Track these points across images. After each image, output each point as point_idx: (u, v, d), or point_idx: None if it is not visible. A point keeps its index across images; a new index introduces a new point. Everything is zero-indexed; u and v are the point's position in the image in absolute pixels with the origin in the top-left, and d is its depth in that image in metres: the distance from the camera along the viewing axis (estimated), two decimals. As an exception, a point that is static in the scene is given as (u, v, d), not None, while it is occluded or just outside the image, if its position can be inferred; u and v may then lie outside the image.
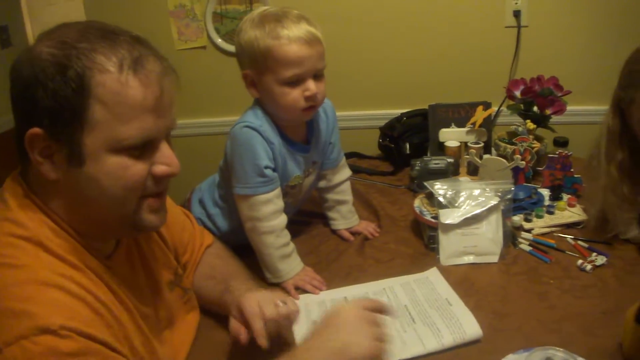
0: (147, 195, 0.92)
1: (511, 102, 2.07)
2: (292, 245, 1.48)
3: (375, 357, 0.99)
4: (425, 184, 1.69)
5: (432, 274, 1.55)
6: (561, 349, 1.22)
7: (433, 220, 1.62)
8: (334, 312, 1.07)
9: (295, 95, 1.37)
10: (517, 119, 2.05)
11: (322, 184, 1.67)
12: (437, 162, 1.93)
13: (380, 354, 1.02)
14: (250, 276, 1.34)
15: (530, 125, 1.96)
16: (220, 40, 2.49)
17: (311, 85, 1.37)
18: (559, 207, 1.76)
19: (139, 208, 0.92)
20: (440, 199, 1.61)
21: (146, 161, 0.89)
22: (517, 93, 2.04)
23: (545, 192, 1.82)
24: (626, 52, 1.49)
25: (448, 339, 1.32)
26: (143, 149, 0.88)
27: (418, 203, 1.71)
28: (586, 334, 1.33)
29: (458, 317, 1.37)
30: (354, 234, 1.76)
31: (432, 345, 1.31)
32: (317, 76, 1.39)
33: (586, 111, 2.19)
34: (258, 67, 1.36)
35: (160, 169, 0.91)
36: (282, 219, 1.46)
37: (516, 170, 1.86)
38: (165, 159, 0.91)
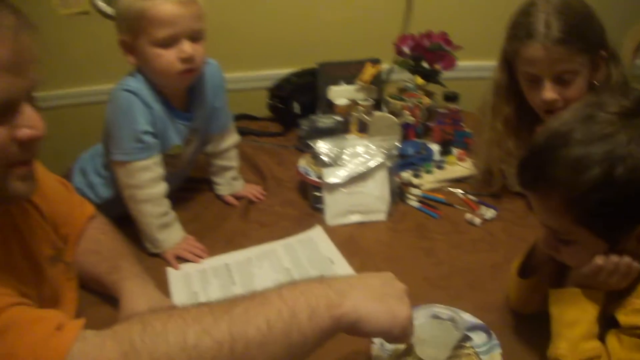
0: (13, 164, 0.81)
1: (401, 58, 1.93)
2: (172, 214, 1.37)
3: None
4: (309, 142, 1.53)
5: (316, 234, 1.42)
6: (446, 306, 1.14)
7: (318, 180, 1.46)
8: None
9: (169, 57, 1.27)
10: (407, 76, 1.92)
11: (209, 148, 1.56)
12: (325, 121, 1.81)
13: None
14: (137, 258, 1.25)
15: (419, 80, 1.86)
16: (102, 3, 2.20)
17: (186, 46, 1.27)
18: (448, 161, 1.66)
19: (6, 177, 0.81)
20: (324, 157, 1.48)
21: (6, 126, 0.77)
22: (406, 49, 1.91)
23: (436, 148, 1.72)
24: (516, 7, 1.43)
25: None
26: (2, 113, 0.76)
27: (303, 163, 1.56)
28: (474, 289, 1.26)
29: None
30: (238, 198, 1.63)
31: None
32: (195, 38, 1.28)
33: (477, 67, 2.11)
34: (133, 30, 1.26)
35: (23, 132, 0.79)
36: (161, 187, 1.35)
37: (406, 127, 1.75)
38: (29, 122, 0.79)
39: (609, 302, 0.94)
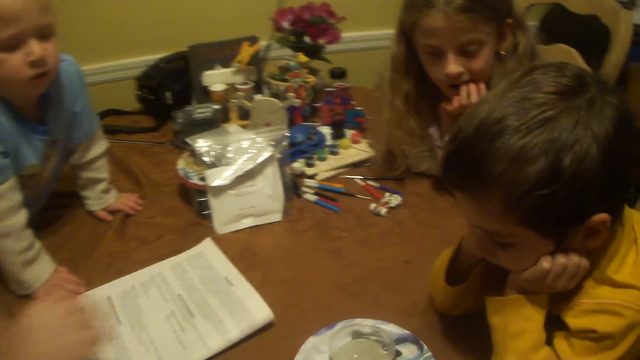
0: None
1: (280, 35, 1.69)
2: (36, 246, 1.12)
3: None
4: (187, 140, 1.26)
5: (207, 248, 1.20)
6: (366, 320, 1.00)
7: (201, 183, 1.20)
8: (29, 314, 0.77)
9: (16, 62, 1.00)
10: (288, 53, 1.69)
11: (74, 159, 1.29)
12: (202, 111, 1.56)
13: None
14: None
15: (303, 58, 1.67)
16: None
17: (35, 47, 1.01)
18: (342, 145, 1.48)
19: None
20: (205, 157, 1.23)
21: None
22: (286, 24, 1.68)
23: (326, 131, 1.52)
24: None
25: (234, 332, 1.01)
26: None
27: (182, 164, 1.31)
28: (392, 291, 1.11)
29: (242, 301, 1.06)
30: (113, 212, 1.35)
31: (216, 344, 0.99)
32: (44, 35, 1.03)
33: (363, 37, 1.92)
34: None
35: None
36: (21, 217, 1.09)
37: (292, 110, 1.55)
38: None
39: (553, 302, 0.82)
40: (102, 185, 1.35)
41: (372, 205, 1.32)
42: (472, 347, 0.95)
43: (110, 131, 1.58)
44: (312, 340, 0.97)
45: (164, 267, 1.18)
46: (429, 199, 1.35)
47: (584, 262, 0.77)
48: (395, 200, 1.33)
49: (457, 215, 1.23)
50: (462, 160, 0.74)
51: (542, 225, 0.73)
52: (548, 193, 0.69)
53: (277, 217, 1.30)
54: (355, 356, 0.93)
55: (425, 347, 0.95)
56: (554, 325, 0.82)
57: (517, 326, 0.81)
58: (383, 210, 1.30)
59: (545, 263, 0.76)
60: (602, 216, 0.73)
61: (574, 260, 0.76)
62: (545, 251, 0.77)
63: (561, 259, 0.76)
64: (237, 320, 1.01)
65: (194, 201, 1.32)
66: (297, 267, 1.16)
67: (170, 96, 1.73)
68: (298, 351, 0.96)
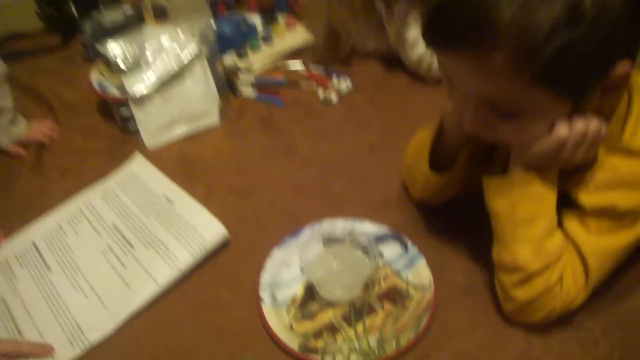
0: None
1: None
2: None
3: None
4: (98, 47, 1.08)
5: (138, 166, 0.97)
6: (337, 220, 0.85)
7: (120, 94, 0.94)
8: None
9: None
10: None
11: None
12: (112, 16, 1.26)
13: None
14: None
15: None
16: None
17: None
18: (276, 32, 1.24)
19: None
20: (120, 62, 1.01)
21: None
22: None
23: (257, 19, 1.26)
24: None
25: (185, 259, 0.82)
26: None
27: (96, 75, 1.06)
28: (359, 184, 0.94)
29: (188, 220, 0.86)
30: (25, 145, 1.11)
31: (165, 275, 0.81)
32: None
33: None
34: None
35: None
36: None
37: (214, 1, 1.24)
38: None
39: (559, 178, 0.67)
40: (6, 116, 1.08)
41: (321, 94, 1.10)
42: (463, 238, 0.79)
43: (12, 56, 1.31)
44: (276, 254, 0.78)
45: (92, 197, 0.96)
46: (383, 80, 1.15)
47: (604, 128, 0.61)
48: (345, 84, 1.13)
49: (417, 95, 1.05)
50: (457, 10, 0.54)
51: (559, 82, 0.55)
52: (567, 42, 0.51)
53: (213, 119, 1.07)
54: (333, 265, 0.73)
55: (409, 243, 0.78)
56: (560, 205, 0.67)
57: (528, 210, 0.65)
58: (333, 97, 1.09)
59: (562, 130, 0.60)
60: (625, 67, 0.56)
61: (594, 125, 0.60)
62: (559, 116, 0.60)
63: (580, 125, 0.60)
64: (185, 244, 0.81)
65: (116, 116, 1.06)
66: (245, 172, 0.95)
67: (73, 7, 1.41)
68: (263, 268, 0.76)
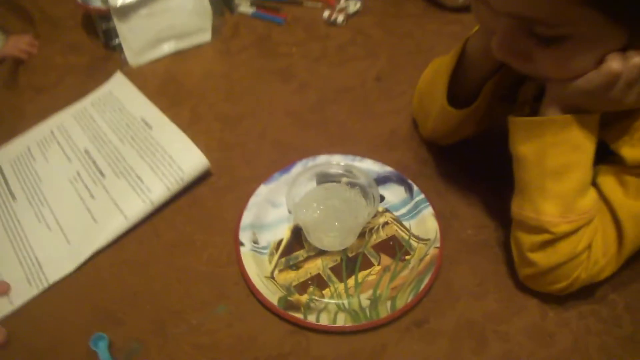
0: None
1: None
2: None
3: None
4: None
5: (117, 85, 0.86)
6: (335, 156, 0.72)
7: (103, 6, 0.88)
8: None
9: None
10: None
11: None
12: None
13: None
14: None
15: None
16: None
17: None
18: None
19: None
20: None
21: None
22: None
23: None
24: None
25: (158, 191, 0.71)
26: None
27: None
28: (362, 117, 0.81)
29: (165, 147, 0.74)
30: (1, 61, 0.97)
31: (136, 209, 0.70)
32: None
33: None
34: None
35: None
36: None
37: None
38: None
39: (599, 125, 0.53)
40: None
41: (326, 13, 0.95)
42: (477, 185, 0.67)
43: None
44: (262, 190, 0.66)
45: (65, 118, 0.84)
46: (396, 3, 0.98)
47: None
48: (353, 5, 0.97)
49: (433, 21, 0.91)
50: None
51: (620, 6, 0.42)
52: None
53: (205, 36, 0.93)
54: (326, 207, 0.61)
55: (415, 187, 0.66)
56: (596, 159, 0.54)
57: (560, 159, 0.53)
58: (340, 18, 0.94)
59: (615, 63, 0.46)
60: None
61: None
62: (610, 49, 0.46)
63: (637, 60, 0.46)
64: (160, 175, 0.69)
65: (99, 31, 0.92)
66: (236, 96, 0.82)
67: None
68: (246, 206, 0.64)
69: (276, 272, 0.62)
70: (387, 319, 0.57)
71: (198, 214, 0.68)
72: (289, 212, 0.65)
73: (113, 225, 0.67)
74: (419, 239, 0.64)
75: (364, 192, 0.63)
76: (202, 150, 0.71)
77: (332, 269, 0.62)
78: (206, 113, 0.81)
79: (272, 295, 0.59)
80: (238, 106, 0.81)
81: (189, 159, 0.71)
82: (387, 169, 0.69)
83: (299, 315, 0.58)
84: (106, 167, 0.74)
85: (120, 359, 0.57)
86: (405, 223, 0.65)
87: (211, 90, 0.85)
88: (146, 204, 0.68)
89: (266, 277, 0.61)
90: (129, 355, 0.57)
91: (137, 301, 0.61)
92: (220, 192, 0.70)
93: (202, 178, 0.71)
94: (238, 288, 0.62)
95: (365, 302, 0.59)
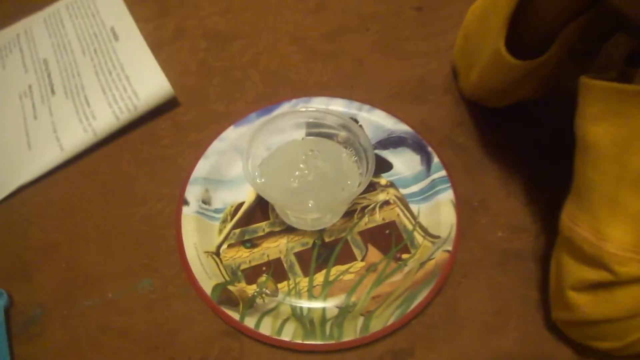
0: None
1: None
2: None
3: None
4: None
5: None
6: (335, 100, 0.53)
7: None
8: None
9: None
10: None
11: None
12: None
13: None
14: None
15: None
16: None
17: None
18: None
19: None
20: None
21: None
22: None
23: None
24: None
25: (105, 120, 0.55)
26: None
27: None
28: (385, 54, 0.60)
29: (123, 64, 0.59)
30: None
31: (75, 139, 0.54)
32: None
33: None
34: None
35: None
36: None
37: None
38: None
39: None
40: None
41: None
42: (526, 170, 0.45)
43: None
44: (230, 134, 0.48)
45: (35, 21, 0.68)
46: None
47: None
48: None
49: None
50: None
51: None
52: None
53: None
54: (305, 169, 0.41)
55: (435, 158, 0.44)
56: None
57: None
58: None
59: None
60: None
61: None
62: None
63: None
64: (111, 100, 0.54)
65: None
66: (235, 10, 0.64)
67: None
68: (203, 153, 0.45)
69: (224, 246, 0.44)
70: (353, 344, 0.38)
71: (148, 155, 0.51)
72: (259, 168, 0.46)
73: (46, 156, 0.52)
74: (426, 233, 0.43)
75: (359, 155, 0.43)
76: (175, 74, 0.54)
77: (298, 255, 0.43)
78: (194, 28, 0.62)
79: (207, 279, 0.41)
80: (233, 22, 0.61)
81: (148, 83, 0.53)
82: (404, 128, 0.48)
83: (233, 315, 0.40)
84: (59, 82, 0.58)
85: (17, 325, 0.44)
86: (413, 207, 0.45)
87: (206, 0, 0.65)
88: (87, 134, 0.51)
89: (208, 252, 0.43)
90: (27, 324, 0.43)
91: (54, 254, 0.46)
92: (182, 129, 0.52)
93: (165, 109, 0.54)
94: (171, 261, 0.44)
95: (331, 312, 0.40)
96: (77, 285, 0.45)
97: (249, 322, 0.40)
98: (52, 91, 0.57)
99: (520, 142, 0.49)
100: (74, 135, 0.52)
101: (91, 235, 0.47)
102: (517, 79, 0.42)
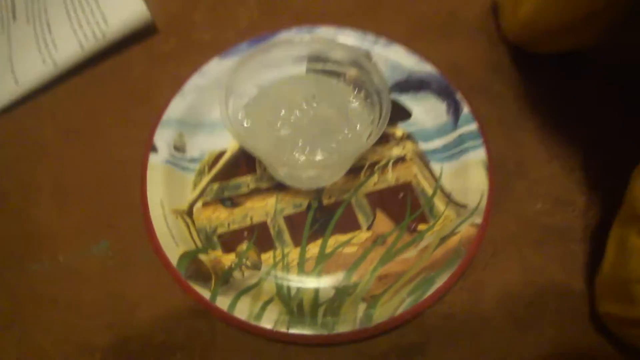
0: None
1: None
2: None
3: None
4: None
5: None
6: (345, 31, 0.41)
7: None
8: None
9: None
10: None
11: None
12: None
13: None
14: None
15: None
16: None
17: None
18: None
19: None
20: None
21: None
22: None
23: None
24: None
25: (69, 48, 0.44)
26: None
27: None
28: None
29: None
30: None
31: (32, 71, 0.44)
32: None
33: None
34: None
35: None
36: None
37: None
38: None
39: None
40: None
41: None
42: (578, 131, 0.35)
43: None
44: (214, 67, 0.38)
45: None
46: None
47: None
48: None
49: None
50: None
51: None
52: None
53: None
54: (300, 112, 0.31)
55: (465, 107, 0.34)
56: None
57: None
58: None
59: None
60: None
61: None
62: None
63: None
64: (75, 24, 0.45)
65: None
66: None
67: None
68: (180, 89, 0.35)
69: (199, 204, 0.34)
70: (351, 337, 0.29)
71: (118, 90, 0.41)
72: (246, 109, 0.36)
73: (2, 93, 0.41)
74: (450, 199, 0.34)
75: (371, 99, 0.32)
76: None
77: (288, 219, 0.34)
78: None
79: (173, 246, 0.32)
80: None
81: (120, 5, 0.43)
82: (427, 69, 0.38)
83: (204, 293, 0.31)
84: (22, 5, 0.47)
85: None
86: (435, 166, 0.35)
87: None
88: (47, 66, 0.42)
89: (178, 210, 0.34)
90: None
91: (7, 206, 0.37)
92: (159, 61, 0.42)
93: (142, 36, 0.44)
94: (133, 221, 0.35)
95: (326, 294, 0.31)
96: (28, 244, 0.37)
97: (222, 302, 0.31)
98: (14, 16, 0.48)
99: (570, 95, 0.38)
100: (32, 67, 0.43)
101: (45, 184, 0.38)
102: (590, 10, 0.31)
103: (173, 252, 0.33)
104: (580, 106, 0.39)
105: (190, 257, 0.33)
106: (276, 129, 0.33)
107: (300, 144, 0.32)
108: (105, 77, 0.43)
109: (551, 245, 0.34)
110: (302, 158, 0.32)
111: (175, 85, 0.40)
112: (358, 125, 0.34)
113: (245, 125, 0.33)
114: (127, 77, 0.43)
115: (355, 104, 0.35)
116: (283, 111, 0.34)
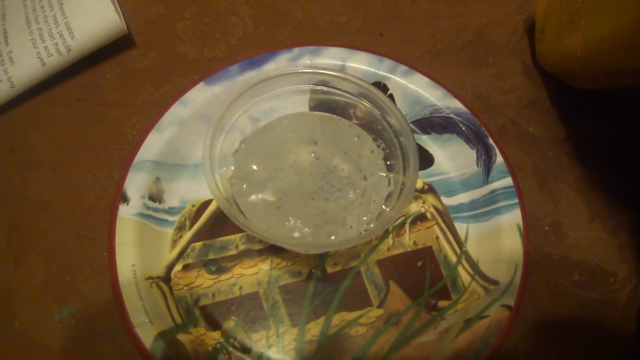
0: None
1: None
2: None
3: None
4: None
5: None
6: (358, 53, 0.34)
7: None
8: None
9: None
10: None
11: None
12: None
13: None
14: None
15: None
16: None
17: None
18: None
19: None
20: None
21: None
22: None
23: None
24: None
25: (27, 65, 0.37)
26: None
27: None
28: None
29: None
30: None
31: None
32: None
33: None
34: None
35: None
36: None
37: None
38: None
39: None
40: None
41: None
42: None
43: None
44: (197, 95, 0.32)
45: None
46: None
47: None
48: None
49: None
50: None
51: None
52: None
53: None
54: (303, 157, 0.28)
55: (498, 154, 0.27)
56: None
57: None
58: None
59: None
60: None
61: None
62: None
63: None
64: (36, 36, 0.39)
65: None
66: None
67: None
68: (156, 123, 0.28)
69: (178, 267, 0.29)
70: None
71: (86, 117, 0.35)
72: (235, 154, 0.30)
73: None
74: (476, 271, 0.28)
75: (387, 145, 0.27)
76: (131, 1, 0.36)
77: (285, 289, 0.28)
78: None
79: (148, 324, 0.26)
80: None
81: (90, 14, 0.36)
82: (454, 104, 0.32)
83: None
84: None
85: None
86: (460, 227, 0.29)
87: None
88: (2, 85, 0.35)
89: (152, 276, 0.28)
90: None
91: None
92: (135, 80, 0.36)
93: (116, 50, 0.37)
94: (102, 282, 0.29)
95: None
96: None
97: (204, 399, 0.25)
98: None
99: (618, 140, 0.32)
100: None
101: (3, 236, 0.32)
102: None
103: (147, 332, 0.27)
104: (631, 154, 0.33)
105: (167, 338, 0.27)
106: (268, 194, 0.27)
107: (292, 222, 0.26)
108: (71, 100, 0.36)
109: (590, 325, 0.29)
110: (297, 234, 0.26)
111: (152, 111, 0.34)
112: (375, 185, 0.27)
113: (231, 182, 0.27)
114: (98, 99, 0.36)
115: (367, 151, 0.28)
116: (280, 165, 0.28)
